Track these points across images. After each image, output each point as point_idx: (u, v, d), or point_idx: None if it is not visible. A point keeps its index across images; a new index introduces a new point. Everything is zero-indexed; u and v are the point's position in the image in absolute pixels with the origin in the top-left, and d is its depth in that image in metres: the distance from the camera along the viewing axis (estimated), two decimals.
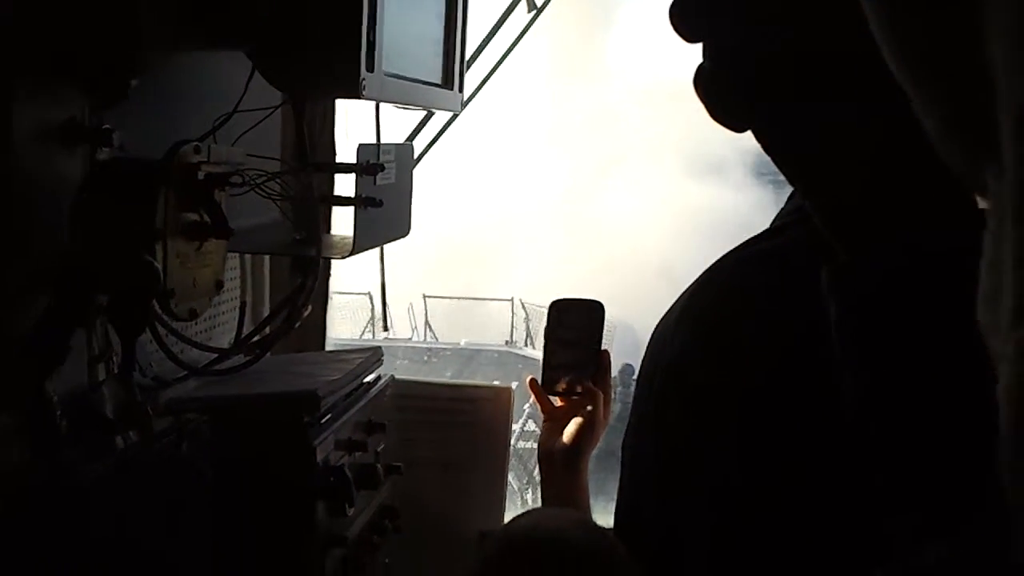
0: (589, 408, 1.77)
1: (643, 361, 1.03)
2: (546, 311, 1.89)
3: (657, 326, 1.04)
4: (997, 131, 0.35)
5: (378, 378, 1.71)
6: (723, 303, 0.95)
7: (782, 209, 1.03)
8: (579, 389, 1.79)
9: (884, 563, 0.54)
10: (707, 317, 0.95)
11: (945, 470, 0.52)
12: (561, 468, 1.74)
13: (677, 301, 1.01)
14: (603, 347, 1.86)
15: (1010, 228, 0.34)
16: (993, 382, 0.34)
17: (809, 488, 0.78)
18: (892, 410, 0.55)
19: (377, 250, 1.97)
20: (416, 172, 1.74)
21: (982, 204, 0.39)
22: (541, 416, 1.84)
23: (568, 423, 1.77)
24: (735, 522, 0.85)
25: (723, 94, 0.61)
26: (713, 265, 0.99)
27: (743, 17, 0.59)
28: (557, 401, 1.84)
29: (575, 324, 1.85)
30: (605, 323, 1.87)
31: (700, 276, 1.00)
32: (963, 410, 0.51)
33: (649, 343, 1.03)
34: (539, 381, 1.84)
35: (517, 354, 14.99)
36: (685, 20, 0.60)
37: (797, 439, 0.80)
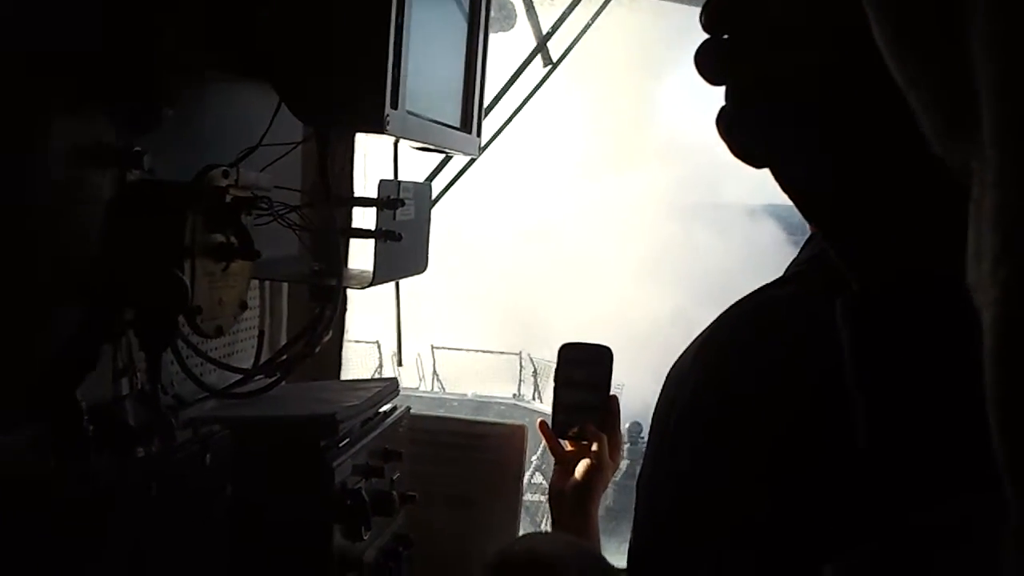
0: (595, 450, 1.78)
1: (658, 401, 1.04)
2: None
3: (672, 367, 1.05)
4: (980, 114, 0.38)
5: (394, 408, 1.73)
6: (735, 348, 0.96)
7: (796, 257, 1.04)
8: (588, 433, 1.81)
9: None
10: (720, 361, 0.96)
11: (956, 495, 0.54)
12: (570, 510, 1.75)
13: (692, 343, 1.02)
14: (612, 392, 1.88)
15: (989, 191, 0.37)
16: None
17: (829, 522, 0.79)
18: (903, 436, 0.57)
19: (392, 291, 1.99)
20: (433, 213, 1.78)
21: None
22: (548, 468, 1.85)
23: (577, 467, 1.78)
24: (757, 561, 0.85)
25: (740, 132, 0.63)
26: (727, 310, 1.00)
27: (757, 58, 0.61)
28: (567, 445, 1.85)
29: (584, 368, 1.87)
30: (613, 368, 1.89)
31: (715, 320, 1.01)
32: (975, 436, 0.53)
33: (664, 383, 1.04)
34: (549, 425, 1.86)
35: (524, 407, 14.95)
36: (706, 64, 0.62)
37: (818, 479, 0.80)
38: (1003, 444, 0.35)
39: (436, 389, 17.07)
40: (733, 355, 0.95)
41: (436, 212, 2.40)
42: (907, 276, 0.58)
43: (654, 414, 1.04)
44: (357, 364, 14.24)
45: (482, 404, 15.19)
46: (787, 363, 0.87)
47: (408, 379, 16.27)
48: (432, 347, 18.08)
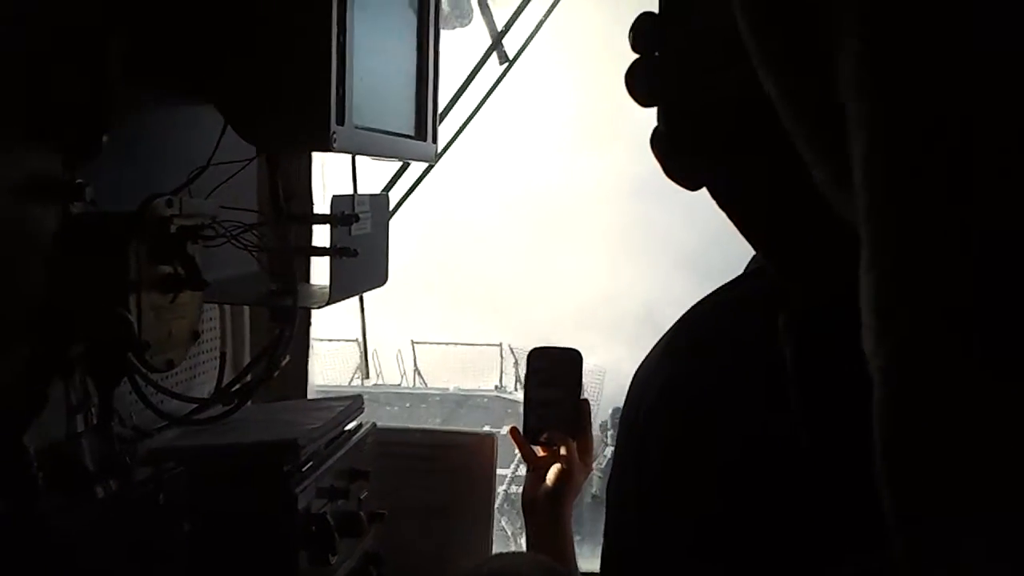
0: (565, 455, 1.77)
1: (624, 406, 1.04)
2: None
3: (637, 370, 1.04)
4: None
5: (360, 425, 1.71)
6: (694, 353, 0.96)
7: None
8: (558, 438, 1.80)
9: None
10: (682, 367, 0.96)
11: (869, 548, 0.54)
12: (543, 515, 1.75)
13: (656, 345, 1.02)
14: (583, 395, 1.88)
15: (865, 264, 0.39)
16: None
17: (787, 528, 0.79)
18: (838, 463, 0.57)
19: (357, 299, 1.98)
20: (400, 218, 1.76)
21: None
22: None
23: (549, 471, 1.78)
24: (718, 566, 0.85)
25: (674, 153, 0.63)
26: (689, 311, 1.00)
27: (685, 77, 0.61)
28: (539, 450, 1.84)
29: (554, 373, 1.86)
30: (583, 370, 1.89)
31: (677, 321, 1.00)
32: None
33: (630, 387, 1.03)
34: (520, 431, 1.85)
35: (507, 399, 14.94)
36: (637, 86, 0.62)
37: (776, 484, 0.80)
38: (888, 496, 0.39)
39: (418, 384, 17.06)
40: (694, 360, 0.95)
41: (411, 205, 2.39)
42: (846, 294, 0.58)
43: (621, 418, 1.04)
44: (339, 364, 14.25)
45: (464, 397, 15.21)
46: (742, 371, 0.86)
47: (389, 376, 16.29)
48: (412, 342, 18.06)
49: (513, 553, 1.65)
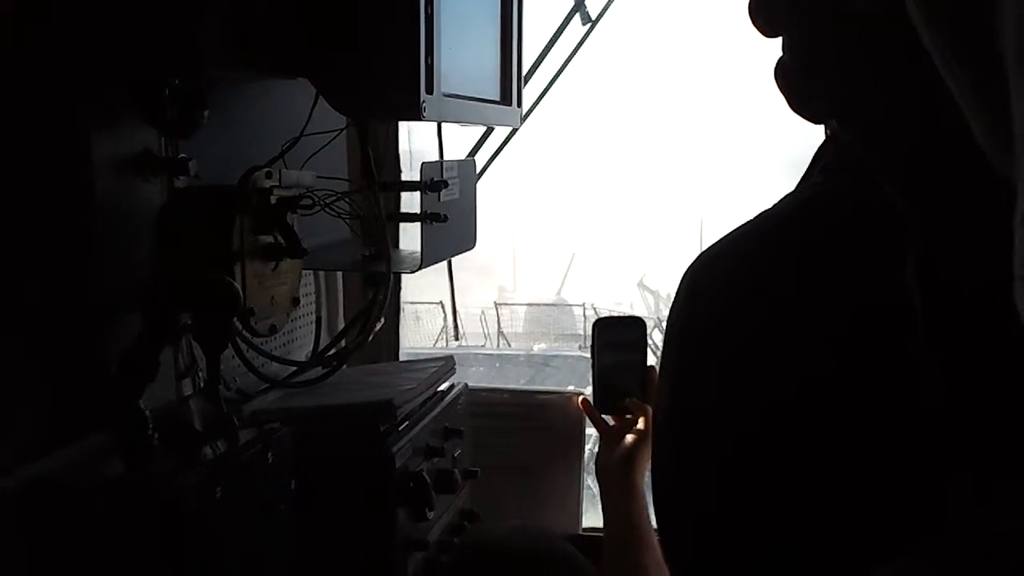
0: (639, 423, 1.79)
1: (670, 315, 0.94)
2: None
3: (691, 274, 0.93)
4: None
5: (452, 386, 1.76)
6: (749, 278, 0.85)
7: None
8: (630, 406, 1.82)
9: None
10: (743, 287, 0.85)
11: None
12: (617, 482, 1.74)
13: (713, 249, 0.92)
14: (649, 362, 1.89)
15: (1020, 216, 0.36)
16: None
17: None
18: (980, 412, 0.55)
19: (446, 262, 2.01)
20: (482, 185, 1.79)
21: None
22: None
23: (622, 440, 1.79)
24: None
25: (802, 85, 0.60)
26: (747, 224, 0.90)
27: (822, 8, 0.58)
28: (610, 420, 1.86)
29: (620, 342, 1.88)
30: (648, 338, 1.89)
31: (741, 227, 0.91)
32: None
33: (678, 293, 0.93)
34: (591, 401, 1.87)
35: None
36: (761, 13, 0.59)
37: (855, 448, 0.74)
38: None
39: (501, 346, 17.12)
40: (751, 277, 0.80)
41: (497, 165, 2.41)
42: (988, 248, 0.52)
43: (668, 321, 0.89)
44: (427, 322, 14.43)
45: (548, 359, 15.22)
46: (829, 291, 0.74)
47: (473, 338, 16.37)
48: (496, 304, 18.13)
49: (503, 524, 1.66)
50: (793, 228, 0.77)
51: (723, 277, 0.80)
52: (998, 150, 0.42)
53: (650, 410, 1.79)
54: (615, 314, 1.91)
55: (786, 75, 0.60)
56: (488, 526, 1.69)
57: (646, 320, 1.88)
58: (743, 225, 0.82)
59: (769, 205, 0.82)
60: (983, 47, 0.41)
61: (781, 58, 0.60)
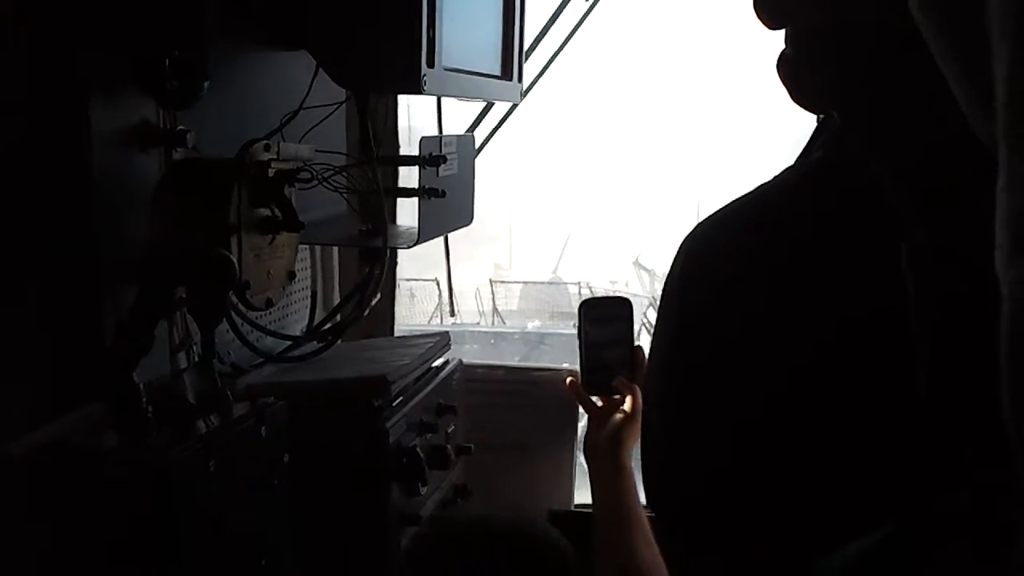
0: (626, 404, 1.79)
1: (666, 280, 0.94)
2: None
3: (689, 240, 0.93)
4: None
5: (446, 362, 1.76)
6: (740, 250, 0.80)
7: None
8: (618, 386, 1.82)
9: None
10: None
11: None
12: (605, 463, 1.74)
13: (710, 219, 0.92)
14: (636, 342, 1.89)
15: (1001, 183, 0.36)
16: None
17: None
18: (964, 397, 0.55)
19: (442, 238, 2.00)
20: (479, 161, 1.78)
21: None
22: None
23: (610, 419, 1.78)
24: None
25: (803, 77, 0.60)
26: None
27: (823, 1, 0.58)
28: (598, 400, 1.86)
29: (607, 322, 1.87)
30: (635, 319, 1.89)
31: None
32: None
33: (676, 257, 0.93)
34: (579, 382, 1.87)
35: None
36: (767, 7, 0.59)
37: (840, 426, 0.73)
38: (1015, 439, 0.36)
39: (496, 324, 17.12)
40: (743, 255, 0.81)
41: (495, 143, 2.39)
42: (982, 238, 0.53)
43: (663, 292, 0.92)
44: (422, 299, 14.42)
45: (543, 336, 15.22)
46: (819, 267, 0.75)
47: (468, 316, 16.36)
48: (491, 281, 18.12)
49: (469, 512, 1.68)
50: (793, 201, 0.77)
51: (723, 248, 0.80)
52: (982, 118, 0.42)
53: (638, 389, 1.79)
54: (601, 295, 1.90)
55: (788, 67, 0.60)
56: (452, 513, 1.69)
57: (641, 299, 1.88)
58: (742, 196, 0.82)
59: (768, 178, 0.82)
60: (971, 27, 0.40)
61: (784, 50, 0.60)
